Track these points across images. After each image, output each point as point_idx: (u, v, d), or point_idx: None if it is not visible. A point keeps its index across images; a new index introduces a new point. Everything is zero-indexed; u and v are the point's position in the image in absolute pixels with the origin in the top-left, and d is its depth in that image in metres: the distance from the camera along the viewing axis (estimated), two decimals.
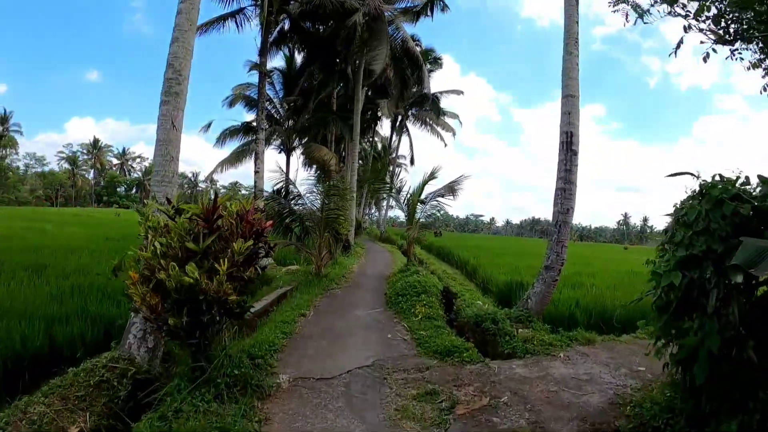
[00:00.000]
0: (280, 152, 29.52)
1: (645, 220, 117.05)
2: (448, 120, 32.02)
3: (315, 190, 10.94)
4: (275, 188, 11.03)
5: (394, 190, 13.45)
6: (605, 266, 13.97)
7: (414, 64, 21.74)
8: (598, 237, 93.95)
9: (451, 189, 11.85)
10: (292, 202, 10.77)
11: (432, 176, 12.66)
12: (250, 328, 6.17)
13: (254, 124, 22.26)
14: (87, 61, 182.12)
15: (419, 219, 12.81)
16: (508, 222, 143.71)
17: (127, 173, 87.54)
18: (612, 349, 5.78)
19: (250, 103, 24.18)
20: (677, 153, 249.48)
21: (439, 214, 13.01)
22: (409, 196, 12.95)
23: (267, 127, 22.98)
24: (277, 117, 27.60)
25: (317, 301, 8.11)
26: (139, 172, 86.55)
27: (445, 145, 31.43)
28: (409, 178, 15.68)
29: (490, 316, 6.29)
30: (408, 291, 7.98)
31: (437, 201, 12.46)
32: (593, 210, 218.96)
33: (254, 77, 26.02)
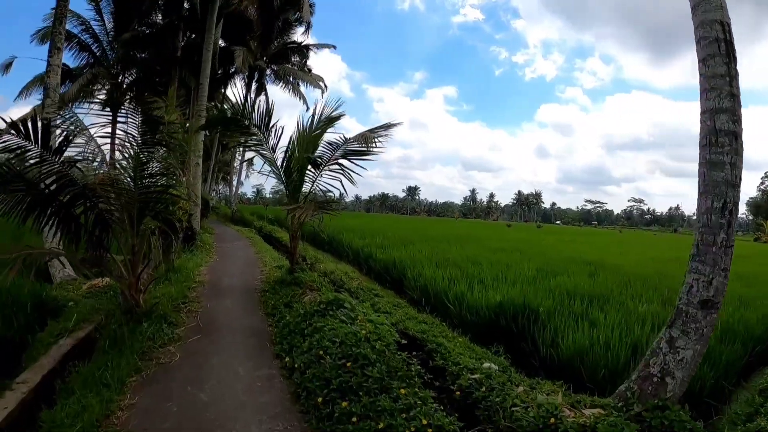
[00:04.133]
0: (103, 108, 20.36)
1: (491, 196, 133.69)
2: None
3: (122, 132, 5.11)
4: (25, 120, 4.62)
5: (263, 143, 7.70)
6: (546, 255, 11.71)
7: None
8: (446, 212, 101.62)
9: (369, 140, 7.14)
10: (61, 155, 4.69)
11: (334, 118, 7.57)
12: None
13: (77, 67, 17.89)
14: None
15: (309, 193, 7.84)
16: (357, 197, 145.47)
17: None
18: None
19: (71, 40, 17.88)
20: (520, 136, 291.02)
21: (341, 184, 7.95)
22: (290, 153, 7.54)
23: (67, 48, 14.36)
24: (102, 59, 18.76)
25: (122, 421, 2.92)
26: None
27: (323, 91, 25.77)
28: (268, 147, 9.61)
29: None
30: (355, 375, 3.25)
31: (343, 163, 7.37)
32: (439, 185, 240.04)
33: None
